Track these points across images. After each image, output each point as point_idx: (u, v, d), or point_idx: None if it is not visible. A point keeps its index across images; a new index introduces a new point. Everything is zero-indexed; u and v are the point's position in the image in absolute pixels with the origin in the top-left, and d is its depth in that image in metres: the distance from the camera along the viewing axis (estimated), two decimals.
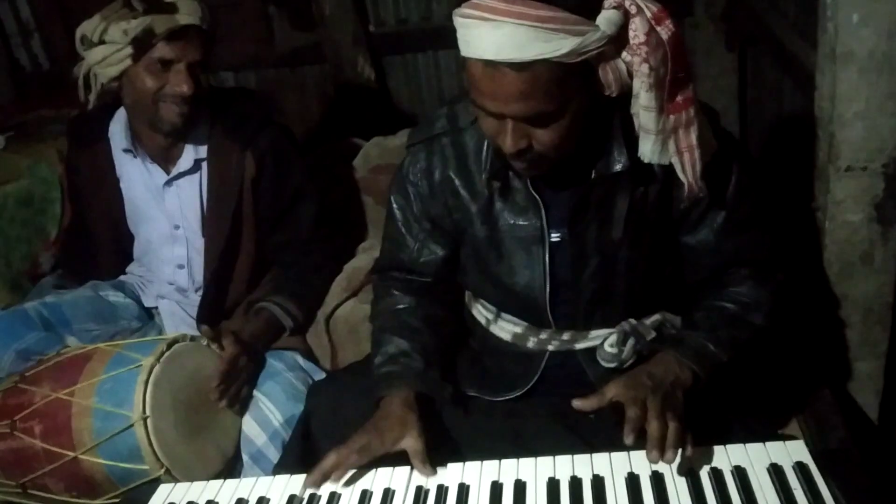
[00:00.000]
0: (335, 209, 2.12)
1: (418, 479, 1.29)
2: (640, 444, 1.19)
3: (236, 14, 2.98)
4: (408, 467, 1.31)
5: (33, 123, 2.74)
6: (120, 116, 1.92)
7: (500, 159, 1.33)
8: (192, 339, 1.70)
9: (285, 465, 1.46)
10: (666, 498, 1.17)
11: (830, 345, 1.74)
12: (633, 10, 1.14)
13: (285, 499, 1.29)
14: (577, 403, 1.24)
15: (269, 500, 1.29)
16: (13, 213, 2.34)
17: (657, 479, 1.20)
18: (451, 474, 1.29)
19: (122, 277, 2.08)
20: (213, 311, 1.92)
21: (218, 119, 1.89)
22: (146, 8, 1.70)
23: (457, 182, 1.42)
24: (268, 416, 1.69)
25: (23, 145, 2.56)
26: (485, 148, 1.38)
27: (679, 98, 1.21)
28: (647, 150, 1.24)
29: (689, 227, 1.40)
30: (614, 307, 1.42)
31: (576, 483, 1.22)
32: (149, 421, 1.51)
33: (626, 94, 1.21)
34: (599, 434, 1.35)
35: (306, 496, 1.29)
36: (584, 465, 1.25)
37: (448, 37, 1.23)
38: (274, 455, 1.64)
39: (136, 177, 1.94)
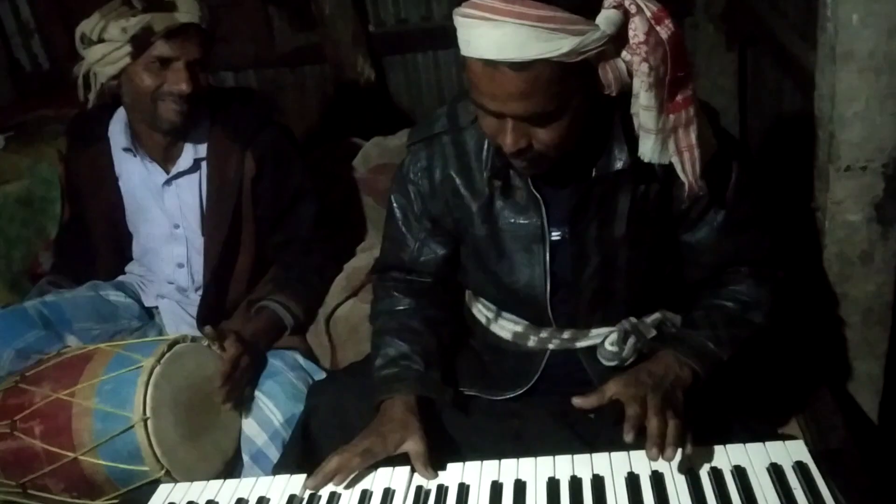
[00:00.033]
0: (335, 209, 2.12)
1: (418, 479, 1.30)
2: (639, 441, 1.19)
3: (236, 14, 2.97)
4: (408, 467, 1.31)
5: (33, 123, 2.73)
6: (120, 116, 1.92)
7: (500, 158, 1.33)
8: (193, 339, 1.69)
9: (285, 465, 1.46)
10: (666, 498, 1.17)
11: (830, 345, 1.73)
12: (632, 9, 1.14)
13: (285, 499, 1.29)
14: (576, 401, 1.25)
15: (269, 500, 1.29)
16: (13, 213, 2.34)
17: (657, 479, 1.20)
18: (451, 474, 1.29)
19: (122, 277, 2.07)
20: (213, 311, 1.92)
21: (218, 118, 1.89)
22: (145, 6, 1.71)
23: (457, 181, 1.42)
24: (268, 415, 1.69)
25: (23, 145, 2.55)
26: (485, 147, 1.38)
27: (679, 97, 1.21)
28: (647, 149, 1.24)
29: (689, 225, 1.40)
30: (615, 306, 1.42)
31: (576, 483, 1.22)
32: (149, 422, 1.51)
33: (627, 94, 1.21)
34: (600, 434, 1.35)
35: (306, 496, 1.29)
36: (584, 465, 1.25)
37: (448, 37, 1.23)
38: (274, 455, 1.64)
39: (135, 176, 1.95)
